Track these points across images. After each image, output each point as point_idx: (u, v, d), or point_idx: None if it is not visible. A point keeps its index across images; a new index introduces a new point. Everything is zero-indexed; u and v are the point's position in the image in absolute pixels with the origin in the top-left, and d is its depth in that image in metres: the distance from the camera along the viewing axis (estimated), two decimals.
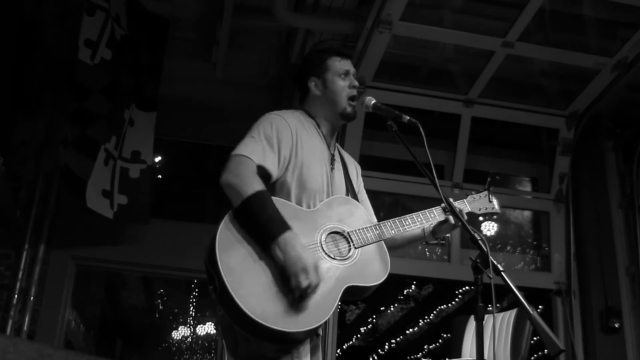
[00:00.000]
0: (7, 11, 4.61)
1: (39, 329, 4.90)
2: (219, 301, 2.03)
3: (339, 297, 2.10)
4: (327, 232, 2.20)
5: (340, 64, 2.45)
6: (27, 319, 4.82)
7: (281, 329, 1.95)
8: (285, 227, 2.06)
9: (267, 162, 2.20)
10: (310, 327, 2.01)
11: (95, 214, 4.56)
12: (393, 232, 2.32)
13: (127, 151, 4.94)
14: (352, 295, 2.17)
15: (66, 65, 5.11)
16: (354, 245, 2.21)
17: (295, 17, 5.01)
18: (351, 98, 2.43)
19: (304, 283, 1.99)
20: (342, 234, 2.22)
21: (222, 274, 1.97)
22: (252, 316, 1.94)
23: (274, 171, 2.22)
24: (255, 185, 2.11)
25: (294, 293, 2.00)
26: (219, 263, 1.99)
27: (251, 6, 5.13)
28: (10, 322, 4.74)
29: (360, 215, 2.32)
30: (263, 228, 2.06)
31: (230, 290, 1.96)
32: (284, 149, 2.26)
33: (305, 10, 5.03)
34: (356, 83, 2.45)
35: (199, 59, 5.58)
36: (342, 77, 2.44)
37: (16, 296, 4.81)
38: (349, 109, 2.42)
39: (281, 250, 2.02)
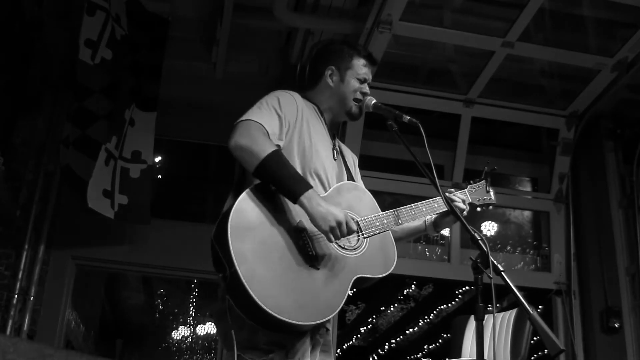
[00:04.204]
0: (6, 11, 4.60)
1: (39, 329, 4.89)
2: (228, 289, 1.96)
3: (349, 288, 2.09)
4: None
5: (365, 70, 2.45)
6: (27, 319, 4.81)
7: (294, 321, 1.92)
8: (307, 185, 2.06)
9: (273, 125, 2.18)
10: (321, 320, 2.01)
11: (95, 213, 4.56)
12: (400, 221, 2.31)
13: (127, 151, 4.93)
14: (358, 285, 2.15)
15: (66, 65, 5.11)
16: (362, 234, 2.20)
17: (295, 17, 5.00)
18: (356, 100, 2.43)
19: (341, 230, 2.02)
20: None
21: (235, 263, 1.90)
22: (266, 309, 1.88)
23: (277, 134, 2.18)
24: (270, 145, 2.09)
25: (329, 237, 2.02)
26: (232, 251, 1.91)
27: (251, 6, 5.12)
28: (10, 322, 4.74)
29: (368, 201, 2.31)
30: (287, 185, 2.04)
31: (244, 281, 1.88)
32: (289, 116, 2.24)
33: (305, 10, 5.02)
34: (367, 90, 2.45)
35: (199, 59, 5.58)
36: (359, 81, 2.44)
37: (16, 296, 4.80)
38: (354, 109, 2.44)
39: (308, 207, 2.02)
